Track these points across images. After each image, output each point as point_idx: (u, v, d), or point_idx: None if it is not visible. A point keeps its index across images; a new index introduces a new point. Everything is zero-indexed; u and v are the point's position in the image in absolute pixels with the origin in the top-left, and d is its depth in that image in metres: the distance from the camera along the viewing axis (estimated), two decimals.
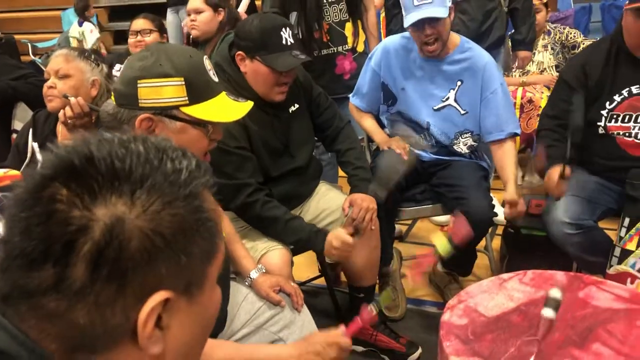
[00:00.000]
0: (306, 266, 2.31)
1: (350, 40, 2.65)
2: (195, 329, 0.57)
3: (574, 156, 1.90)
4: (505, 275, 1.64)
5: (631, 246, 1.92)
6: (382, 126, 2.38)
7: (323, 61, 2.56)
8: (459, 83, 2.17)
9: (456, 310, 1.51)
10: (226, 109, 1.21)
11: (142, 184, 0.52)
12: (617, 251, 1.96)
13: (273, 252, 1.79)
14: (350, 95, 2.40)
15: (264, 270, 1.66)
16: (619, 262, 1.95)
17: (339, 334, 1.21)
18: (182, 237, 0.53)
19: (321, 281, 2.37)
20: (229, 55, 1.85)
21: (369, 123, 2.35)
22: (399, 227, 2.81)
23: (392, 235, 2.38)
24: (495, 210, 2.08)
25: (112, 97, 1.20)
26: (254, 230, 1.86)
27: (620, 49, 1.96)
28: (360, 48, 2.70)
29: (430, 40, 2.07)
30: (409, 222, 2.86)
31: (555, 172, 1.93)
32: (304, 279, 2.35)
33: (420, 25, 2.03)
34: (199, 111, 1.17)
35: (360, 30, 2.69)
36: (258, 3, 4.40)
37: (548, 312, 1.32)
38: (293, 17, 2.52)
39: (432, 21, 2.02)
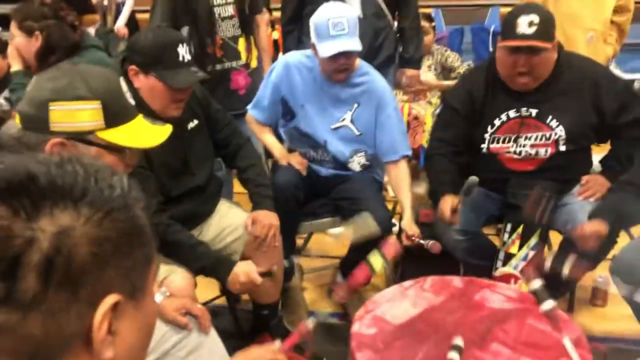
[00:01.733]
0: (206, 285, 2.25)
1: (243, 55, 2.65)
2: (140, 335, 0.60)
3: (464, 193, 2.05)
4: (406, 283, 1.71)
5: (513, 249, 2.10)
6: (280, 140, 2.40)
7: (217, 77, 2.53)
8: (355, 105, 2.24)
9: (365, 321, 1.55)
10: (144, 133, 1.17)
11: (83, 198, 0.55)
12: (502, 255, 2.13)
13: (176, 275, 1.73)
14: (249, 107, 2.38)
15: (168, 294, 1.60)
16: (504, 265, 2.12)
17: (276, 350, 1.21)
18: (126, 241, 0.57)
19: (222, 300, 2.32)
20: (121, 70, 1.78)
21: (268, 137, 2.35)
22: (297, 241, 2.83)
23: (294, 250, 2.40)
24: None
25: (17, 119, 1.11)
26: None
27: (495, 78, 2.13)
28: (253, 64, 2.71)
29: (343, 68, 2.14)
30: (305, 235, 2.90)
31: (447, 202, 2.04)
32: (204, 299, 2.29)
33: (335, 56, 2.08)
34: (116, 136, 1.12)
35: (253, 46, 2.70)
36: (140, 16, 4.25)
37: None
38: (185, 31, 2.47)
39: (348, 52, 2.09)
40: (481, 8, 4.92)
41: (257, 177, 2.03)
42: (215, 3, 2.56)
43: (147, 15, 2.74)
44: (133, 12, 4.34)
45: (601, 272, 2.25)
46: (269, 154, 2.42)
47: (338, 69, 2.14)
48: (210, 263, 1.79)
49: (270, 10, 4.38)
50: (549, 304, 1.52)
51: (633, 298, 1.88)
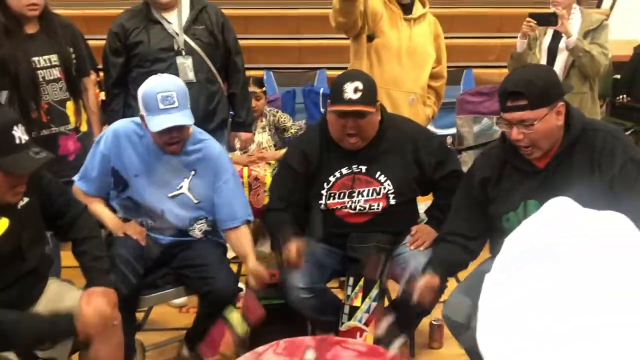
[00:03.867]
0: None
1: (72, 119, 2.50)
2: None
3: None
4: (260, 349, 1.69)
5: (357, 302, 2.18)
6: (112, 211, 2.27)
7: (44, 143, 2.33)
8: (192, 173, 2.20)
9: None
10: None
11: None
12: (346, 309, 2.19)
13: None
14: (76, 179, 2.23)
15: None
16: (349, 319, 2.18)
17: None
18: None
19: None
20: None
21: (99, 208, 2.21)
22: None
23: (134, 327, 2.24)
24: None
25: None
26: None
27: (328, 138, 2.26)
28: (83, 127, 2.57)
29: (175, 141, 2.10)
30: (145, 308, 2.73)
31: (292, 245, 2.09)
32: None
33: (166, 130, 2.03)
34: None
35: (82, 110, 2.56)
36: None
37: None
38: (3, 96, 2.27)
39: (180, 126, 2.05)
40: (310, 71, 5.22)
41: (94, 250, 1.88)
42: (38, 66, 2.41)
43: None
44: None
45: (436, 316, 2.41)
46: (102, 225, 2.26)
47: (170, 142, 2.10)
48: (46, 326, 1.61)
49: (97, 71, 4.22)
50: (397, 343, 1.60)
51: (461, 338, 2.04)
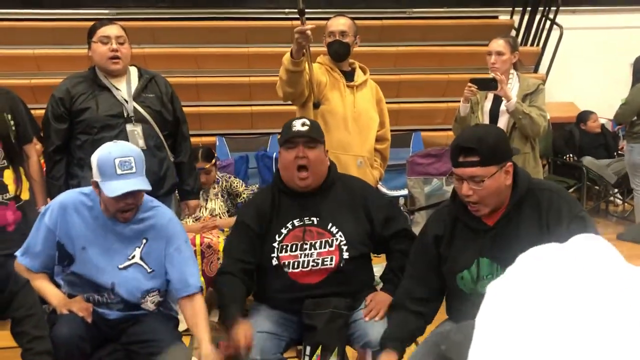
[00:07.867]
0: None
1: (11, 188, 2.42)
2: None
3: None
4: None
5: None
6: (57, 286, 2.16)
7: None
8: (144, 241, 2.15)
9: None
10: None
11: None
12: None
13: None
14: (18, 254, 2.12)
15: None
16: None
17: None
18: None
19: None
20: None
21: (42, 284, 2.10)
22: None
23: None
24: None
25: None
26: None
27: (280, 191, 2.28)
28: (25, 196, 2.48)
29: (130, 207, 2.07)
30: None
31: (240, 328, 2.02)
32: None
33: (122, 196, 2.00)
34: None
35: (24, 177, 2.48)
36: None
37: None
38: None
39: (135, 191, 2.03)
40: (262, 136, 5.28)
41: (33, 329, 1.78)
42: None
43: None
44: None
45: None
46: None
47: (124, 208, 2.05)
48: None
49: (40, 138, 4.15)
50: None
51: None
